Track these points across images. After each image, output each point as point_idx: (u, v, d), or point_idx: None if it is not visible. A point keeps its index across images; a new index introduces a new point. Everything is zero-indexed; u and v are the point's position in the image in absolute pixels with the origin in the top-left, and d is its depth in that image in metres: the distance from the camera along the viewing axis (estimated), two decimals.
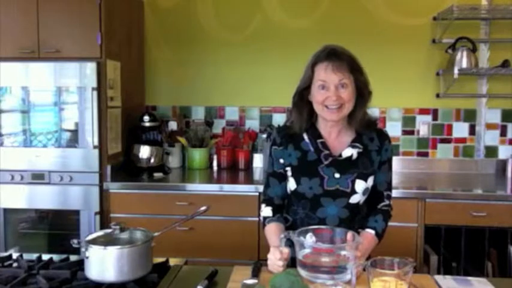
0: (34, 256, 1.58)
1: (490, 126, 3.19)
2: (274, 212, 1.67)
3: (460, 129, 3.21)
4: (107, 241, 1.40)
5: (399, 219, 2.33)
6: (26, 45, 2.67)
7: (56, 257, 1.59)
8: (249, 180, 2.91)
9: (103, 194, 2.69)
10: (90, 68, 2.63)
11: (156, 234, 1.46)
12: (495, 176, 3.09)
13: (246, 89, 3.30)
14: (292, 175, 1.62)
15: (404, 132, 3.24)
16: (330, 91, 1.51)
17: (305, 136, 1.64)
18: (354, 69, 1.54)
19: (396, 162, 3.13)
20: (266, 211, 1.68)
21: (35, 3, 2.65)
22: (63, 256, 1.60)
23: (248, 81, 3.29)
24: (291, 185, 1.63)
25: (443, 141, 3.22)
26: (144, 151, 2.92)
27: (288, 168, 1.64)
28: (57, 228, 2.81)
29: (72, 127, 2.71)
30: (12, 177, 2.71)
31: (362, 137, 1.62)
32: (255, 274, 1.44)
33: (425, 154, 3.24)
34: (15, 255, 1.58)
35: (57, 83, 2.68)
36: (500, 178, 3.04)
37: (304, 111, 1.61)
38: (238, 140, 3.23)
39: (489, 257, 2.64)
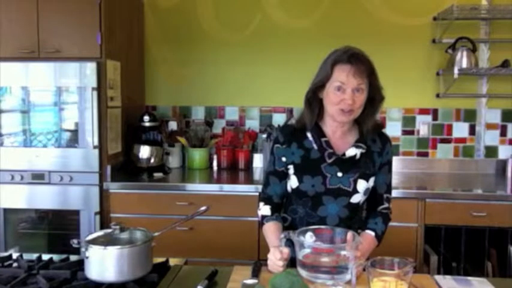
0: (34, 256, 1.58)
1: (490, 126, 3.19)
2: (273, 210, 1.68)
3: (460, 129, 3.21)
4: (107, 241, 1.40)
5: (399, 219, 2.33)
6: (26, 45, 2.67)
7: (56, 257, 1.59)
8: (249, 180, 2.90)
9: (103, 194, 2.69)
10: (90, 68, 2.63)
11: (156, 234, 1.46)
12: (495, 176, 3.09)
13: (246, 89, 3.30)
14: (295, 173, 1.62)
15: (404, 132, 3.24)
16: (347, 94, 1.50)
17: (308, 134, 1.64)
18: (372, 74, 1.53)
19: (396, 162, 3.13)
20: (264, 209, 1.68)
21: (35, 3, 2.65)
22: (63, 256, 1.61)
23: (248, 81, 3.29)
24: (293, 183, 1.63)
25: (443, 141, 3.23)
26: (144, 151, 2.92)
27: (291, 167, 1.64)
28: (57, 228, 2.81)
29: (72, 127, 2.71)
30: (12, 177, 2.71)
31: (365, 138, 1.63)
32: (255, 274, 1.44)
33: (425, 154, 3.24)
34: (15, 255, 1.58)
35: (57, 83, 2.68)
36: (500, 178, 3.04)
37: (316, 108, 1.60)
38: (238, 140, 3.23)
39: (489, 257, 2.64)
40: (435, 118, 3.22)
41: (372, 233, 1.60)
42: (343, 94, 1.50)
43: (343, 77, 1.50)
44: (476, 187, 2.82)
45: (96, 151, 2.67)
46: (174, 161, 3.18)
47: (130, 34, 3.08)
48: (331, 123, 1.61)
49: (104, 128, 2.69)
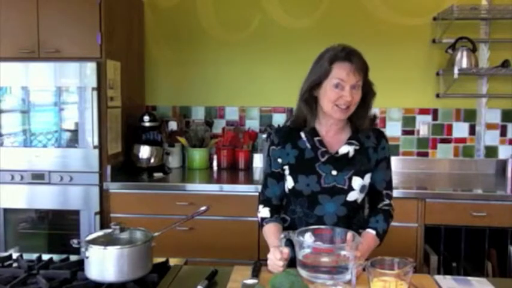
0: (34, 256, 1.58)
1: (490, 126, 3.19)
2: (272, 212, 1.68)
3: (460, 129, 3.21)
4: (107, 241, 1.40)
5: (399, 219, 2.31)
6: (26, 45, 2.67)
7: (56, 257, 1.59)
8: (249, 180, 2.91)
9: (103, 194, 2.69)
10: (90, 68, 2.63)
11: (156, 234, 1.46)
12: (495, 176, 3.09)
13: (246, 89, 3.30)
14: (290, 173, 1.63)
15: (404, 132, 3.24)
16: (345, 91, 1.51)
17: (302, 134, 1.65)
18: (367, 71, 1.56)
19: (396, 162, 3.13)
20: (264, 212, 1.69)
21: (35, 3, 2.65)
22: (63, 256, 1.60)
23: (248, 81, 3.29)
24: (289, 183, 1.64)
25: (443, 141, 3.22)
26: (144, 151, 2.92)
27: (286, 167, 1.65)
28: (57, 228, 2.81)
29: (72, 127, 2.71)
30: (12, 177, 2.71)
31: (358, 135, 1.63)
32: (255, 274, 1.44)
33: (425, 154, 3.24)
34: (15, 255, 1.58)
35: (57, 83, 2.68)
36: (500, 178, 3.04)
37: (313, 106, 1.61)
38: (238, 140, 3.23)
39: (489, 257, 2.64)
40: (435, 118, 3.22)
41: (373, 232, 1.60)
42: (341, 91, 1.52)
43: (343, 74, 1.51)
44: (476, 187, 2.82)
45: (96, 151, 2.67)
46: (174, 161, 3.18)
47: (130, 34, 3.08)
48: (326, 121, 1.62)
49: (104, 128, 2.69)
